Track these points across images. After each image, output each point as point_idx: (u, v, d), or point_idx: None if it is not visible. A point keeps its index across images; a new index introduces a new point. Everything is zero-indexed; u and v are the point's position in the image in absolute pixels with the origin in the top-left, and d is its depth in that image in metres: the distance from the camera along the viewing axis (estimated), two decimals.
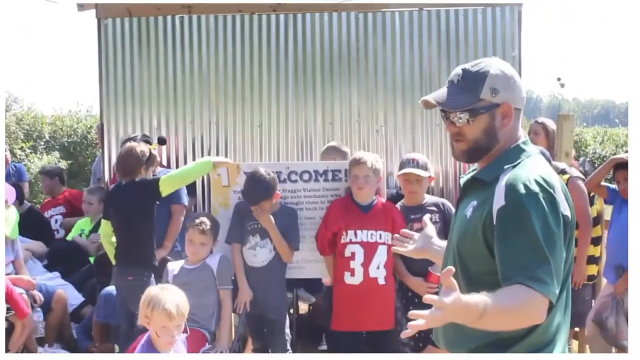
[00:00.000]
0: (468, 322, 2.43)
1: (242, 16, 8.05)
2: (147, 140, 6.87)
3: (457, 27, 7.93)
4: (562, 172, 6.43)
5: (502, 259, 2.59)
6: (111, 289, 6.55)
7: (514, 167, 2.71)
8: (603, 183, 6.71)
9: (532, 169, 2.68)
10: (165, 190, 5.88)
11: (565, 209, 2.64)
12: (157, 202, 6.02)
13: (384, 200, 5.91)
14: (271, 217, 5.73)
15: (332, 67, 8.02)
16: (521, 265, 2.52)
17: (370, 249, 5.64)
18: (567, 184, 6.36)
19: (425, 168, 5.83)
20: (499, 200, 2.63)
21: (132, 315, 5.50)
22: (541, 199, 2.58)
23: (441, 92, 2.83)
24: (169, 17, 8.08)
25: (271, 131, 8.03)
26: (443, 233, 5.68)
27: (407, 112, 7.99)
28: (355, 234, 5.68)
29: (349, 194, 5.84)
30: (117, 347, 6.60)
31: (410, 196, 5.88)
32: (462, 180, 2.97)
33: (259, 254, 5.82)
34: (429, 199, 5.89)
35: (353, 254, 5.65)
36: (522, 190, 2.59)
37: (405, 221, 5.71)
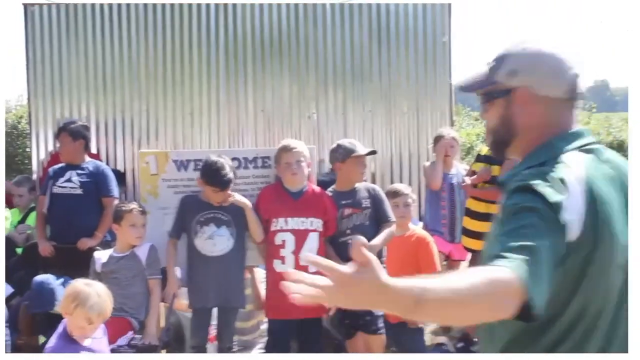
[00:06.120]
0: (398, 310, 1.79)
1: (172, 4, 7.97)
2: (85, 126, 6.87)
3: (388, 14, 7.98)
4: None
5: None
6: (44, 277, 6.42)
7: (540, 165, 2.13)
8: None
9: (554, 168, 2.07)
10: None
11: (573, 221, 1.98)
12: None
13: (314, 186, 5.88)
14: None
15: (263, 54, 8.00)
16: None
17: (300, 237, 5.59)
18: None
19: None
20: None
21: None
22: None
23: (473, 73, 2.38)
24: (97, 4, 7.97)
25: (202, 119, 7.99)
26: (373, 218, 5.71)
27: (338, 99, 8.02)
28: (286, 222, 5.62)
29: (279, 180, 5.80)
30: (41, 339, 6.50)
31: (360, 176, 5.85)
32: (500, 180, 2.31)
33: (218, 242, 5.67)
34: (358, 184, 5.87)
35: (284, 241, 5.60)
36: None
37: (337, 207, 5.70)
